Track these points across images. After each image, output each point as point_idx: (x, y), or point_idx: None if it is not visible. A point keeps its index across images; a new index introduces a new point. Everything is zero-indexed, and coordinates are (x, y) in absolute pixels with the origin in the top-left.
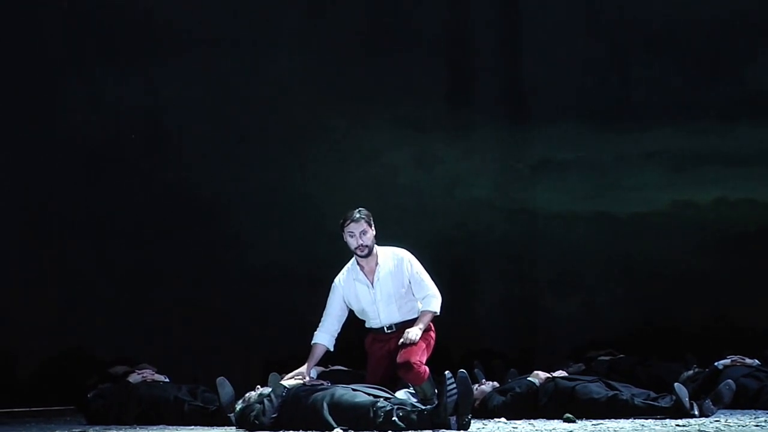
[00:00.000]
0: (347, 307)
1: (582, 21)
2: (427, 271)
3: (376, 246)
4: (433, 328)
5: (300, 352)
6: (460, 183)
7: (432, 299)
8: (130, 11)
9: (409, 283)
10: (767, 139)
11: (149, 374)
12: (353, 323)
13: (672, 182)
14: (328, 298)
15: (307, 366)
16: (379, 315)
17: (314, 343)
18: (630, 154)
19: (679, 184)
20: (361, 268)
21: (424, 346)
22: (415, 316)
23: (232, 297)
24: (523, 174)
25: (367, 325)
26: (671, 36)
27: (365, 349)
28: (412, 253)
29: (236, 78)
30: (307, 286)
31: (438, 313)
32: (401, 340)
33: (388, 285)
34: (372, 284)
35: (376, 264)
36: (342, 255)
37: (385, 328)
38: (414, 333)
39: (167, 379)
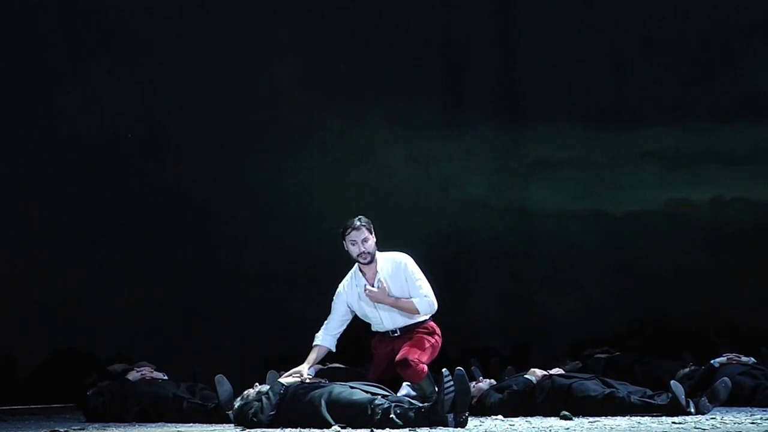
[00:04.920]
0: (351, 311)
1: (577, 20)
2: (423, 270)
3: (377, 252)
4: (438, 333)
5: (298, 351)
6: (455, 182)
7: (425, 301)
8: (127, 12)
9: (408, 286)
10: (762, 138)
11: (148, 372)
12: (353, 321)
13: (667, 181)
14: (332, 304)
15: (306, 365)
16: (382, 320)
17: (316, 344)
18: (625, 153)
19: (674, 183)
20: (363, 274)
21: (426, 345)
22: (420, 320)
23: (230, 295)
24: (517, 173)
25: (373, 329)
26: (666, 35)
27: (371, 349)
28: (408, 251)
29: (232, 78)
30: (304, 284)
31: (421, 313)
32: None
33: (388, 290)
34: None
35: (377, 270)
36: (339, 253)
37: (390, 333)
38: (386, 294)
39: (166, 377)
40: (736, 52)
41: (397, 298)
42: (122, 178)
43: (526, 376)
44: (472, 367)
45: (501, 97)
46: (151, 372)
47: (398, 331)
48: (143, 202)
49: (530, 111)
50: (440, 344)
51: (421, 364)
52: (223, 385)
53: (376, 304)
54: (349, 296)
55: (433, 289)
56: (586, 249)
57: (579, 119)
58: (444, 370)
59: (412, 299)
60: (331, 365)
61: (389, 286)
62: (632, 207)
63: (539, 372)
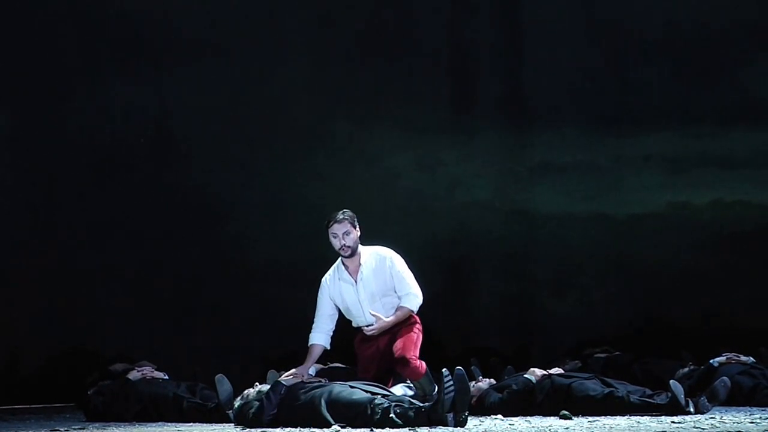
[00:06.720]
0: (336, 305)
1: (581, 27)
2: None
3: (360, 246)
4: (419, 321)
5: (299, 350)
6: (460, 185)
7: (412, 298)
8: (141, 19)
9: (393, 280)
10: (761, 142)
11: (149, 371)
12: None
13: (668, 184)
14: (318, 298)
15: (305, 365)
16: (364, 313)
17: (311, 344)
18: (627, 157)
19: (676, 186)
20: (346, 267)
21: (414, 338)
22: None
23: (231, 295)
24: (522, 176)
25: (354, 325)
26: (668, 42)
27: (354, 349)
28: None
29: (243, 83)
30: (307, 284)
31: (414, 312)
32: (371, 327)
33: (371, 284)
34: (356, 283)
35: (360, 263)
36: None
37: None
38: (383, 321)
39: (166, 377)
40: (735, 60)
41: (395, 316)
42: (131, 181)
43: (525, 375)
44: (472, 367)
45: (506, 102)
46: (152, 371)
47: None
48: (151, 204)
49: (535, 116)
50: (422, 332)
51: (418, 360)
52: (223, 384)
53: (359, 297)
54: (332, 290)
55: (434, 287)
56: (589, 250)
57: (582, 124)
58: (444, 369)
59: (401, 304)
60: (331, 365)
61: (372, 281)
62: (634, 209)
63: (539, 372)
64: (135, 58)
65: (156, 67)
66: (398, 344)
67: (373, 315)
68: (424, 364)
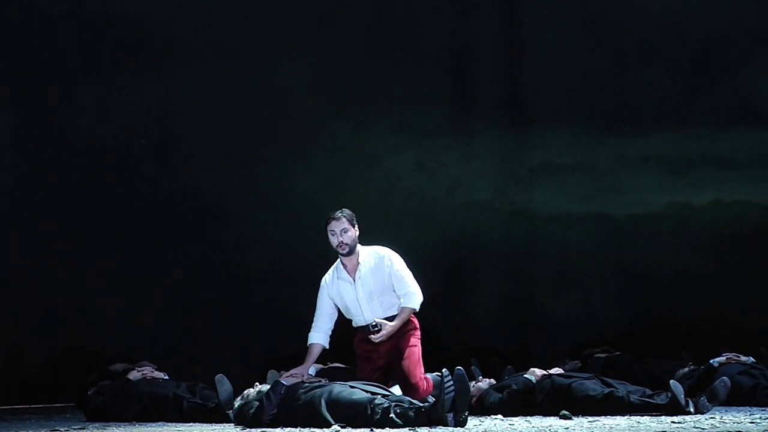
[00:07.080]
0: (335, 305)
1: (581, 29)
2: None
3: (359, 245)
4: (417, 326)
5: (299, 350)
6: (461, 186)
7: (412, 296)
8: (141, 19)
9: (391, 279)
10: (760, 143)
11: (149, 371)
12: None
13: (668, 185)
14: (317, 298)
15: (305, 365)
16: (362, 312)
17: (310, 344)
18: (627, 158)
19: (675, 187)
20: (345, 266)
21: (417, 354)
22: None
23: (231, 295)
24: (522, 177)
25: (353, 324)
26: (667, 45)
27: (354, 350)
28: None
29: (244, 84)
30: (307, 284)
31: (417, 310)
32: (377, 334)
33: (369, 282)
34: (354, 281)
35: (358, 262)
36: None
37: (371, 326)
38: (390, 327)
39: (166, 377)
40: (734, 61)
41: (399, 318)
42: (131, 181)
43: (525, 375)
44: (472, 367)
45: (506, 102)
46: (152, 371)
47: (379, 326)
48: (151, 204)
49: (535, 116)
50: (420, 338)
51: (424, 381)
52: (223, 384)
53: (357, 295)
54: (331, 289)
55: (434, 287)
56: (589, 251)
57: (582, 125)
58: (444, 369)
59: (403, 304)
60: (331, 365)
61: (370, 279)
62: (634, 210)
63: (539, 372)
64: (135, 58)
65: (156, 67)
66: (404, 367)
67: (377, 322)
68: (430, 381)
